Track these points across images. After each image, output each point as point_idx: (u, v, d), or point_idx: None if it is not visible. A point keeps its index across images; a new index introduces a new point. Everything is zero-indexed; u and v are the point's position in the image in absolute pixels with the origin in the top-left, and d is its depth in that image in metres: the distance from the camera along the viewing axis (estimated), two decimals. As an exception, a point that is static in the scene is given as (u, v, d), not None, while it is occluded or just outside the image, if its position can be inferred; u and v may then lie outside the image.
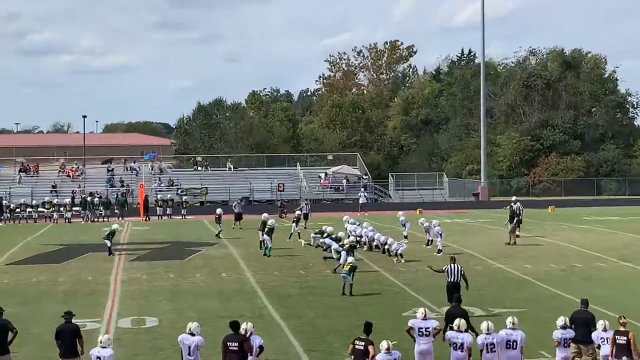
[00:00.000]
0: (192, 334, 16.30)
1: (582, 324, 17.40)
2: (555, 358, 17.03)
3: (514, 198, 44.66)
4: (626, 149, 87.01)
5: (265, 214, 39.66)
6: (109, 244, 36.67)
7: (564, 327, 16.91)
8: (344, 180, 72.12)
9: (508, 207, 43.44)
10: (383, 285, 28.49)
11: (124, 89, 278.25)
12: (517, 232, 41.28)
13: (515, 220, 38.72)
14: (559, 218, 52.62)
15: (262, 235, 36.75)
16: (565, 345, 16.77)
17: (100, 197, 58.36)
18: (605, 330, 17.04)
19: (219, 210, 45.03)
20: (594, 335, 17.11)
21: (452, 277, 23.01)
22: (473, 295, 19.31)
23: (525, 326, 17.50)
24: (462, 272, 23.13)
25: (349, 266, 26.82)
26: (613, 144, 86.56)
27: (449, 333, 16.89)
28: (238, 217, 48.72)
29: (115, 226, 38.58)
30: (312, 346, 20.17)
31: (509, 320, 16.92)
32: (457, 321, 16.98)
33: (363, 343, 15.50)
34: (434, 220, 38.33)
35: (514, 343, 16.60)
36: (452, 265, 23.21)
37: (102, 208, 56.59)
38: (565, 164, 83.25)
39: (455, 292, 22.64)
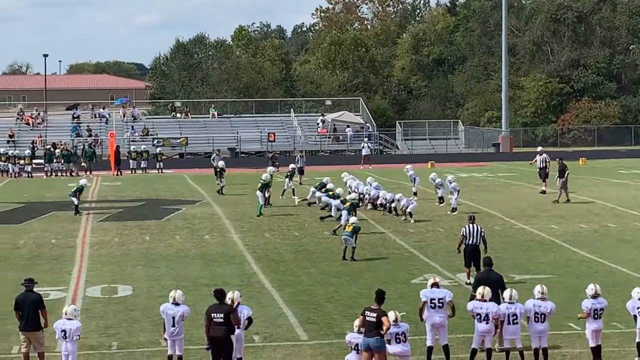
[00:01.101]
0: (177, 304, 16.41)
1: None
2: (584, 331, 17.11)
3: (539, 148, 44.76)
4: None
5: (270, 168, 39.76)
6: (75, 201, 36.77)
7: (594, 296, 16.99)
8: (347, 129, 72.08)
9: (532, 161, 43.47)
10: (389, 249, 28.62)
11: (91, 24, 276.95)
12: (543, 188, 41.46)
13: (566, 175, 38.74)
14: (591, 171, 52.72)
15: (266, 192, 37.43)
16: (596, 316, 16.87)
17: (64, 149, 58.25)
18: (642, 299, 17.14)
19: (221, 163, 44.83)
20: (628, 304, 17.21)
21: (472, 238, 23.08)
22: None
23: (550, 295, 17.60)
24: (482, 234, 23.21)
25: (351, 227, 26.90)
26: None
27: (471, 303, 16.98)
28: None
29: (83, 181, 38.69)
30: (309, 317, 20.32)
31: (537, 289, 17.00)
32: (480, 289, 17.05)
33: (375, 314, 15.54)
34: (448, 175, 38.35)
35: (542, 316, 16.69)
36: (471, 225, 23.27)
37: (63, 161, 56.51)
38: (598, 109, 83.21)
39: (474, 255, 22.77)
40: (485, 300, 16.86)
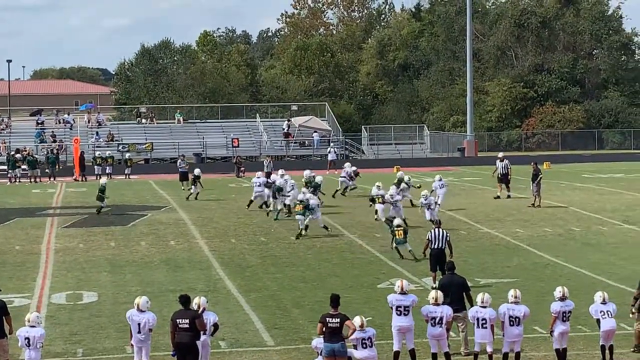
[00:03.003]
0: (141, 311, 16.31)
1: None
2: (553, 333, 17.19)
3: (500, 154, 44.46)
4: (631, 96, 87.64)
5: (307, 171, 39.82)
6: (103, 203, 38.55)
7: (562, 299, 17.10)
8: (314, 134, 72.11)
9: (494, 171, 43.16)
10: (355, 254, 28.64)
11: (55, 29, 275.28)
12: (508, 193, 41.61)
13: (538, 180, 38.78)
14: (555, 175, 53.03)
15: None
16: (565, 319, 16.98)
17: (28, 154, 57.82)
18: (604, 302, 17.26)
19: (197, 171, 44.45)
20: (591, 309, 17.34)
21: (437, 243, 23.22)
22: (458, 263, 19.49)
23: (516, 298, 17.68)
24: (448, 238, 23.33)
25: (301, 207, 29.43)
26: (617, 91, 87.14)
27: (425, 307, 17.00)
28: (183, 176, 48.49)
29: (103, 180, 39.90)
30: (275, 322, 20.30)
31: (510, 293, 17.07)
32: (433, 293, 17.15)
33: (338, 319, 15.55)
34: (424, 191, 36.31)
35: (517, 319, 16.76)
36: (437, 230, 23.40)
37: (26, 167, 56.07)
38: (562, 114, 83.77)
39: (440, 260, 22.88)
40: (438, 304, 16.92)
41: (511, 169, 42.36)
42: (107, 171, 57.42)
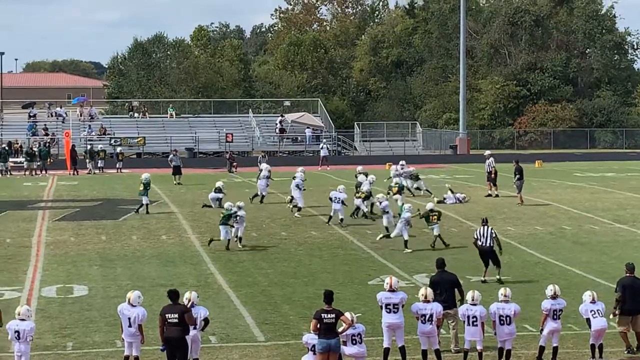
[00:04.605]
0: (133, 305, 16.28)
1: (635, 292, 17.87)
2: (543, 332, 17.22)
3: (487, 152, 44.32)
4: (624, 96, 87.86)
5: (359, 167, 38.65)
6: (145, 200, 36.23)
7: (553, 297, 17.14)
8: (307, 130, 72.14)
9: (487, 165, 43.09)
10: (347, 250, 28.64)
11: (49, 22, 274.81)
12: (495, 192, 41.43)
13: (520, 176, 38.83)
14: (547, 174, 53.09)
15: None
16: (556, 317, 17.02)
17: (30, 148, 57.87)
18: (594, 301, 17.30)
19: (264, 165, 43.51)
20: (581, 308, 17.38)
21: (484, 240, 23.72)
22: (449, 260, 19.49)
23: (506, 296, 17.70)
24: (494, 235, 23.84)
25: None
26: (609, 90, 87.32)
27: (415, 305, 17.01)
28: (176, 170, 48.45)
29: (145, 175, 37.67)
30: (266, 318, 20.30)
31: (500, 291, 17.11)
32: (422, 290, 17.14)
33: (333, 315, 15.55)
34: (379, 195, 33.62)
35: (508, 318, 16.78)
36: (484, 227, 23.87)
37: (22, 160, 56.07)
38: (555, 112, 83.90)
39: (489, 257, 23.51)
40: (428, 301, 16.93)
41: (495, 167, 42.07)
42: (99, 164, 57.29)
